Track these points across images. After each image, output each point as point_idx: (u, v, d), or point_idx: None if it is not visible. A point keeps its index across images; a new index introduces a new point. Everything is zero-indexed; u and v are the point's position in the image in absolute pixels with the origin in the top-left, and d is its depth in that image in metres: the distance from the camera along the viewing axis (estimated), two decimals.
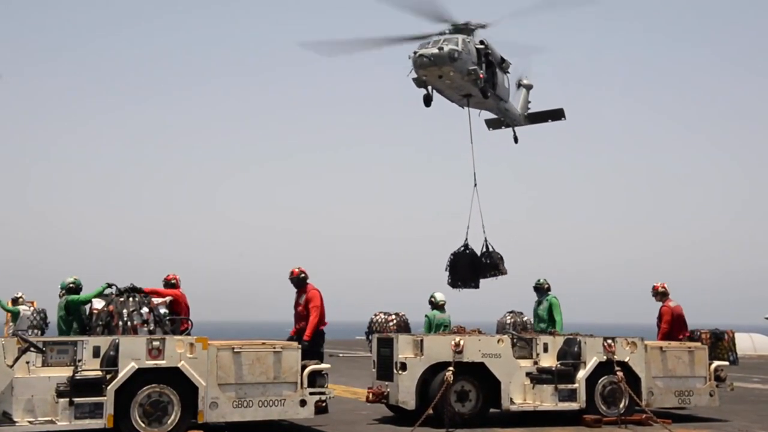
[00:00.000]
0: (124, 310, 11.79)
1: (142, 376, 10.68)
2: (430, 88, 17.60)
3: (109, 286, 12.25)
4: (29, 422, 10.19)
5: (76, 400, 10.30)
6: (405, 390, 12.57)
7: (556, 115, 21.26)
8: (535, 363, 13.35)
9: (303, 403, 11.50)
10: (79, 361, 10.57)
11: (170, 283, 14.18)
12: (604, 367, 13.36)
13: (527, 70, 21.39)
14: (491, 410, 13.03)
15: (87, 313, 12.29)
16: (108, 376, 10.55)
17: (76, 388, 10.34)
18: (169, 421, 10.76)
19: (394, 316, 25.47)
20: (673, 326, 15.47)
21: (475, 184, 18.64)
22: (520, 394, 13.09)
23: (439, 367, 12.60)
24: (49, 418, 10.29)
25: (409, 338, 13.05)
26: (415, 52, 16.90)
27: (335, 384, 15.73)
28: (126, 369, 10.58)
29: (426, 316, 16.63)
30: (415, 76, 17.33)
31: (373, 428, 12.75)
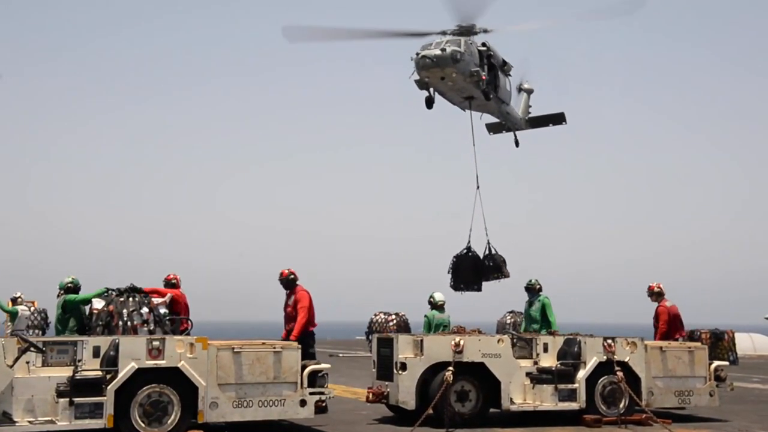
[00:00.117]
0: (124, 310, 11.81)
1: (142, 376, 10.68)
2: (432, 90, 17.57)
3: (108, 291, 12.26)
4: (29, 422, 10.19)
5: (76, 400, 10.29)
6: (405, 390, 12.57)
7: (557, 119, 21.26)
8: (535, 363, 13.35)
9: (303, 403, 11.50)
10: (79, 361, 10.57)
11: (171, 283, 14.20)
12: (604, 367, 13.35)
13: (528, 74, 21.41)
14: (491, 410, 13.03)
15: (87, 313, 12.31)
16: (108, 376, 10.55)
17: (76, 388, 10.34)
18: (169, 421, 10.76)
19: (394, 316, 25.55)
20: (670, 326, 15.52)
21: (478, 187, 18.66)
22: (520, 394, 13.09)
23: (439, 367, 12.60)
24: (49, 418, 10.29)
25: (409, 338, 13.05)
26: (417, 54, 16.88)
27: (335, 384, 15.73)
28: (126, 369, 10.57)
29: (425, 316, 16.64)
30: (417, 77, 17.29)
31: (373, 428, 12.76)
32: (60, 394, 10.32)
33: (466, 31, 17.57)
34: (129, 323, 11.67)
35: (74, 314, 12.79)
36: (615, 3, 18.42)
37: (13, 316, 19.41)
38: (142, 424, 10.62)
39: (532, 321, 16.18)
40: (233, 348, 11.27)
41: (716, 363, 14.45)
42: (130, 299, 11.95)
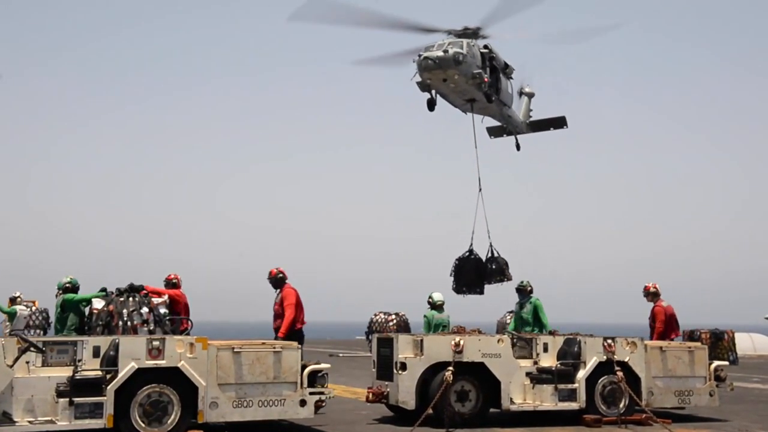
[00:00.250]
0: (124, 310, 11.81)
1: (142, 376, 10.67)
2: (433, 92, 17.52)
3: (106, 292, 12.26)
4: (29, 422, 10.18)
5: (76, 400, 10.28)
6: (405, 390, 12.56)
7: (558, 123, 21.26)
8: (535, 363, 13.35)
9: (303, 403, 11.49)
10: (79, 361, 10.56)
11: (171, 283, 14.22)
12: (604, 367, 13.35)
13: (529, 78, 21.40)
14: (491, 410, 13.03)
15: (87, 313, 12.31)
16: (108, 376, 10.54)
17: (76, 388, 10.32)
18: (169, 421, 10.75)
19: (394, 316, 25.55)
20: (667, 326, 15.54)
21: (480, 189, 18.64)
22: (520, 394, 13.09)
23: (439, 367, 12.60)
24: (49, 418, 10.29)
25: (409, 338, 13.05)
26: (419, 55, 16.84)
27: (335, 384, 15.73)
28: (126, 369, 10.56)
29: (425, 316, 16.64)
30: (419, 79, 17.23)
31: (373, 428, 12.75)
32: (60, 394, 10.31)
33: (471, 33, 17.57)
34: (129, 323, 11.68)
35: (73, 313, 12.80)
36: (617, 10, 18.44)
37: (11, 316, 19.39)
38: (142, 424, 10.61)
39: (523, 323, 15.93)
40: (233, 348, 11.26)
41: (716, 363, 14.44)
42: (130, 299, 11.95)
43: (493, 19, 17.37)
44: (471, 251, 18.62)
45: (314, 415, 11.72)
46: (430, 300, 16.61)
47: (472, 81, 17.30)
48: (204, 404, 10.92)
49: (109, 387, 10.47)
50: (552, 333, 14.42)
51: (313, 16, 17.96)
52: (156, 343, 10.84)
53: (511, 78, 19.70)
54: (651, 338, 15.36)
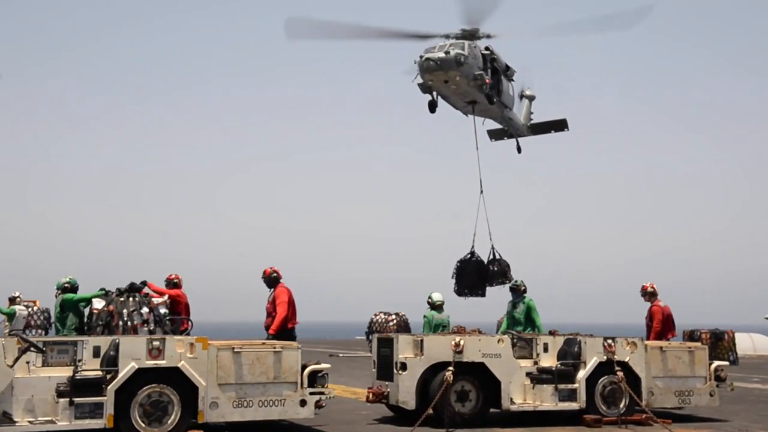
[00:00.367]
0: (124, 310, 11.82)
1: (142, 376, 10.67)
2: (435, 93, 17.48)
3: (105, 292, 12.26)
4: (29, 422, 10.18)
5: (76, 400, 10.28)
6: (405, 390, 12.56)
7: (559, 125, 21.26)
8: (535, 363, 13.35)
9: (303, 403, 11.48)
10: (79, 361, 10.56)
11: (172, 283, 14.23)
12: (604, 367, 13.35)
13: (529, 81, 21.40)
14: (491, 410, 13.02)
15: (87, 313, 12.31)
16: (108, 376, 10.54)
17: (76, 388, 10.32)
18: (169, 421, 10.75)
19: (394, 316, 25.48)
20: (664, 326, 15.54)
21: (482, 191, 18.62)
22: (520, 394, 13.09)
23: (439, 367, 12.59)
24: (49, 418, 10.28)
25: (409, 338, 13.04)
26: (421, 56, 16.78)
27: (335, 384, 15.71)
28: (126, 369, 10.56)
29: (425, 316, 16.62)
30: (421, 81, 17.17)
31: (373, 428, 12.75)
32: (60, 394, 10.31)
33: (470, 35, 17.54)
34: (129, 323, 11.68)
35: (73, 313, 12.80)
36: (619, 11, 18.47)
37: (10, 316, 19.38)
38: (142, 424, 10.61)
39: (515, 323, 15.72)
40: (233, 348, 11.26)
41: (716, 363, 14.44)
42: (130, 299, 11.95)
43: (482, 15, 17.34)
44: (472, 253, 18.59)
45: (314, 415, 11.72)
46: (430, 300, 16.59)
47: (473, 83, 17.27)
48: (204, 404, 10.91)
49: (109, 387, 10.47)
50: (552, 333, 14.40)
51: (308, 33, 18.05)
52: (156, 343, 10.84)
53: (513, 80, 19.69)
54: (647, 337, 15.36)
